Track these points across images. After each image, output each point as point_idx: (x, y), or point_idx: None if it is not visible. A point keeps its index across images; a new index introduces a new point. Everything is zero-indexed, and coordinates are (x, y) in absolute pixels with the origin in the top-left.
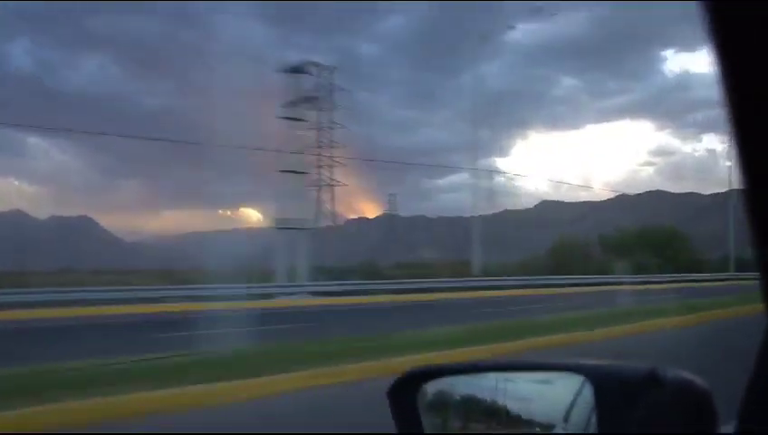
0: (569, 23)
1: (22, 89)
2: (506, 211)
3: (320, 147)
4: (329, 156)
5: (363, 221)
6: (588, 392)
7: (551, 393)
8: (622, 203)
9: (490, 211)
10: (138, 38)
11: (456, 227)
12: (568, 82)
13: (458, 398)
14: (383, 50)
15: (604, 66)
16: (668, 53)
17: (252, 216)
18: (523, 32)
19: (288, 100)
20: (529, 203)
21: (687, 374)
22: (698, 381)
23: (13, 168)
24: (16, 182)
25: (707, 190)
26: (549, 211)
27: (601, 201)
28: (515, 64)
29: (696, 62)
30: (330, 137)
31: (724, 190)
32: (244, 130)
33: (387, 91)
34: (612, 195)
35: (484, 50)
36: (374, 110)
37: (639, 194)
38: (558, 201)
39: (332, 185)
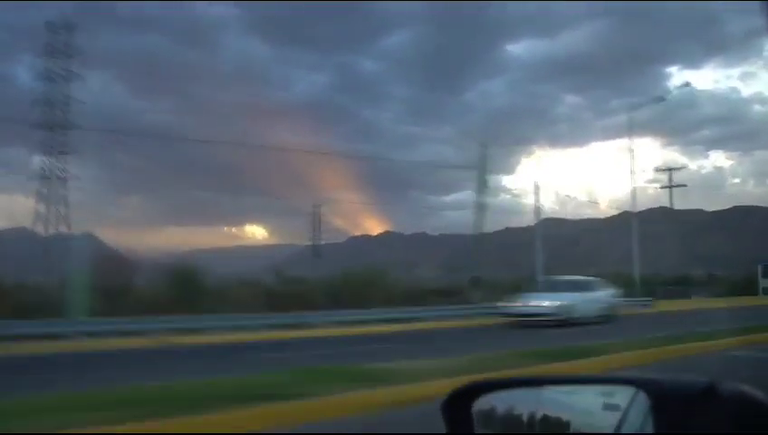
0: (571, 40)
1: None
2: (507, 229)
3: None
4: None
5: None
6: (641, 405)
7: (605, 406)
8: (625, 220)
9: (491, 229)
10: (140, 56)
11: (456, 245)
12: (571, 100)
13: (512, 411)
14: (386, 67)
15: (607, 83)
16: (672, 70)
17: (255, 232)
18: (525, 49)
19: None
20: (531, 220)
21: (747, 388)
22: (758, 395)
23: (19, 184)
24: (23, 199)
25: (712, 207)
26: (550, 229)
27: (604, 218)
28: (518, 82)
29: (701, 79)
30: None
31: (728, 207)
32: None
33: (390, 107)
34: (616, 211)
35: (486, 67)
36: (377, 126)
37: (642, 211)
38: (560, 218)
39: (63, 178)
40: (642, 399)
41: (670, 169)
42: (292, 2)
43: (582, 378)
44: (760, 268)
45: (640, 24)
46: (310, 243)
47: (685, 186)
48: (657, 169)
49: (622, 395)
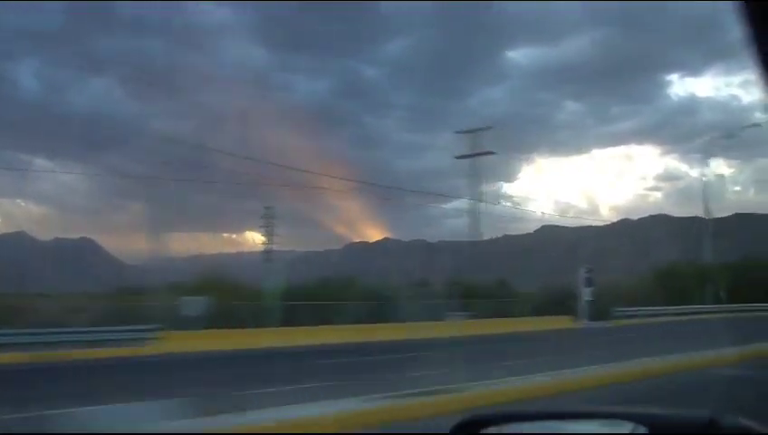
0: (572, 47)
1: (29, 110)
2: (505, 236)
3: None
4: None
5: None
6: None
7: None
8: (624, 227)
9: (488, 236)
10: (142, 60)
11: (450, 253)
12: (572, 107)
13: None
14: (387, 73)
15: (608, 91)
16: (673, 78)
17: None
18: (526, 56)
19: None
20: (529, 228)
21: (747, 422)
22: (758, 428)
23: (19, 189)
24: (22, 203)
25: (712, 215)
26: (549, 236)
27: (603, 226)
28: (519, 89)
29: (701, 87)
30: None
31: (728, 215)
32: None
33: (391, 114)
34: (615, 219)
35: (487, 74)
36: (379, 133)
37: (642, 218)
38: (558, 226)
39: None
40: (643, 433)
41: (472, 131)
42: (293, 2)
43: (583, 412)
44: (582, 274)
45: (641, 31)
46: (305, 250)
47: (493, 153)
48: (459, 131)
49: (623, 429)
